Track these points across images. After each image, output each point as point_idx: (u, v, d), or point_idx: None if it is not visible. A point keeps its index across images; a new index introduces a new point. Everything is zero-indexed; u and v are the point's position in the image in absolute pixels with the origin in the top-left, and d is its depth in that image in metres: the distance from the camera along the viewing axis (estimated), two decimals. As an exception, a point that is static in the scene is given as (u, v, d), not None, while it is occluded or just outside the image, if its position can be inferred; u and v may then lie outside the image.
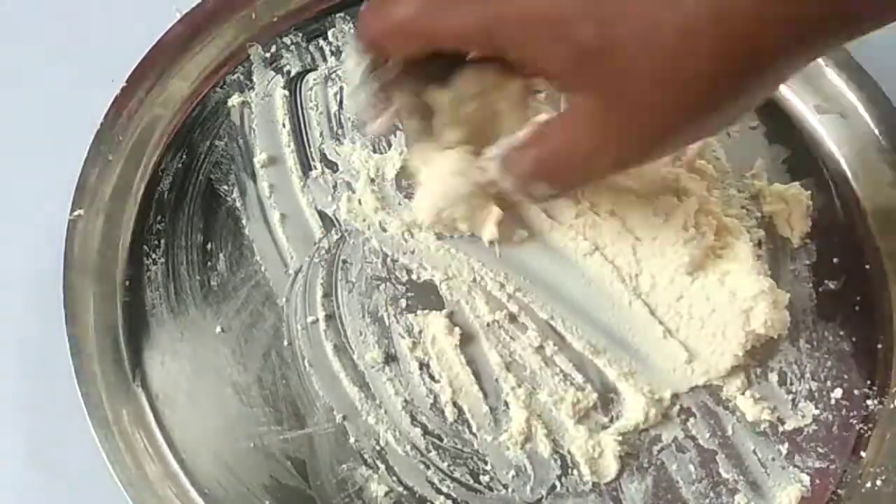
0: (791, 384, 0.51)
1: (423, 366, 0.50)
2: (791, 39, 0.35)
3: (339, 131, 0.56)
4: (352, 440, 0.49)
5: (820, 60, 0.56)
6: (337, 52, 0.58)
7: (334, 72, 0.57)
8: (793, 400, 0.51)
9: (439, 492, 0.48)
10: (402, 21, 0.40)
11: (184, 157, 0.55)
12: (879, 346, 0.52)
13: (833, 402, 0.51)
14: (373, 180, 0.54)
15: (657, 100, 0.37)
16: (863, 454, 0.50)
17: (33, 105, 0.58)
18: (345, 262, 0.53)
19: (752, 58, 0.35)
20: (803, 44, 0.36)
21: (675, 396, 0.50)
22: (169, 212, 0.54)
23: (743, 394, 0.50)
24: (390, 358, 0.50)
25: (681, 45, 0.35)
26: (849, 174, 0.56)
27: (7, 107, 0.58)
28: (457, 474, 0.48)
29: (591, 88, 0.38)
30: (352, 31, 0.58)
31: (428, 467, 0.48)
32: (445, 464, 0.48)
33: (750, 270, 0.50)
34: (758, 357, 0.51)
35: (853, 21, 0.36)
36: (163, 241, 0.53)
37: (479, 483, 0.48)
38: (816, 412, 0.50)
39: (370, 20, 0.42)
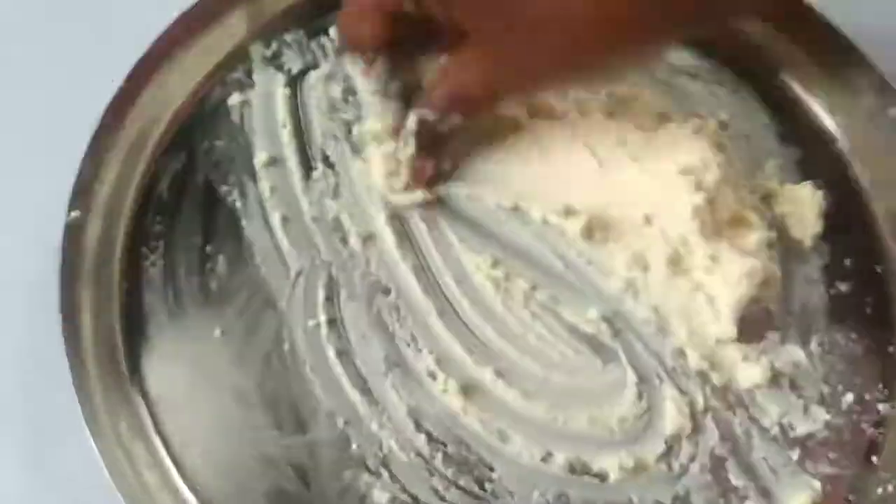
0: (802, 388, 0.50)
1: (428, 371, 0.50)
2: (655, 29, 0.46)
3: (339, 131, 0.56)
4: (354, 446, 0.48)
5: (832, 60, 0.57)
6: (339, 50, 0.58)
7: (336, 70, 0.57)
8: (804, 405, 0.50)
9: (443, 499, 0.47)
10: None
11: (183, 157, 0.54)
12: (892, 349, 0.52)
13: (845, 406, 0.50)
14: None
15: (543, 42, 0.46)
16: (875, 459, 0.49)
17: (32, 105, 0.58)
18: (346, 264, 0.52)
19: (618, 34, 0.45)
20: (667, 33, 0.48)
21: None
22: (168, 213, 0.53)
23: (753, 398, 0.50)
24: (393, 363, 0.50)
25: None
26: (861, 175, 0.56)
27: (6, 107, 0.58)
28: (462, 482, 0.48)
29: (488, 33, 0.47)
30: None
31: (432, 474, 0.48)
32: (450, 471, 0.48)
33: None
34: (768, 359, 0.51)
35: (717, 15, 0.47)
36: (161, 243, 0.52)
37: (485, 490, 0.48)
38: (828, 417, 0.50)
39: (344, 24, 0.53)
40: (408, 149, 0.52)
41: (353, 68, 0.54)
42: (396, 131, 0.53)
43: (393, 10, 0.49)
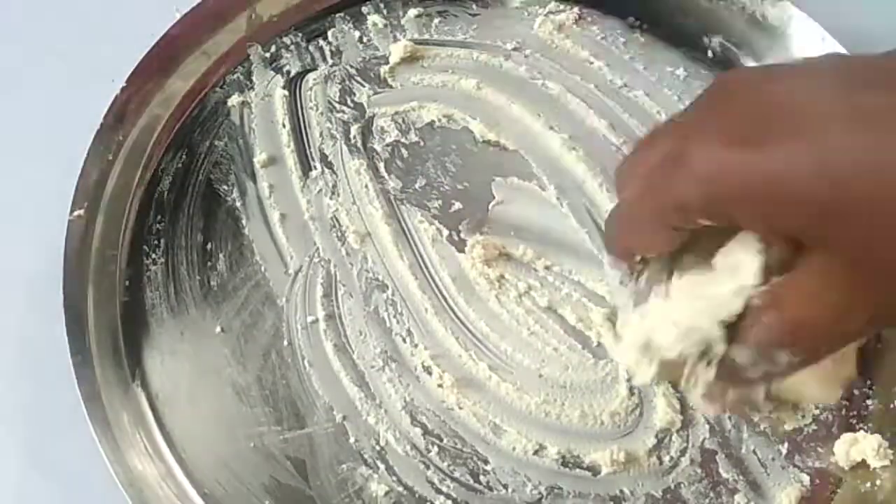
0: (791, 384, 0.51)
1: (424, 365, 0.50)
2: None
3: (337, 132, 0.56)
4: (352, 440, 0.49)
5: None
6: (337, 52, 0.58)
7: (334, 72, 0.58)
8: (792, 399, 0.51)
9: (439, 492, 0.48)
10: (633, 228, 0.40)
11: (184, 157, 0.55)
12: (879, 345, 0.52)
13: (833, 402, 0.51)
14: None
15: None
16: (863, 454, 0.50)
17: (33, 105, 0.58)
18: (344, 261, 0.53)
19: None
20: None
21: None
22: (169, 212, 0.53)
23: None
24: (390, 358, 0.50)
25: None
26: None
27: (7, 107, 0.58)
28: (457, 474, 0.48)
29: (833, 247, 0.34)
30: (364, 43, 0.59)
31: (428, 467, 0.48)
32: (445, 463, 0.48)
33: None
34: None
35: None
36: (163, 241, 0.53)
37: (479, 483, 0.48)
38: (816, 412, 0.50)
39: (618, 238, 0.42)
40: (709, 371, 0.40)
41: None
42: None
43: (681, 224, 0.37)
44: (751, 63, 0.58)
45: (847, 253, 0.34)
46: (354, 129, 0.56)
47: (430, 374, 0.50)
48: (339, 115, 0.57)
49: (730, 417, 0.50)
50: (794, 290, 0.36)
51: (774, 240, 0.36)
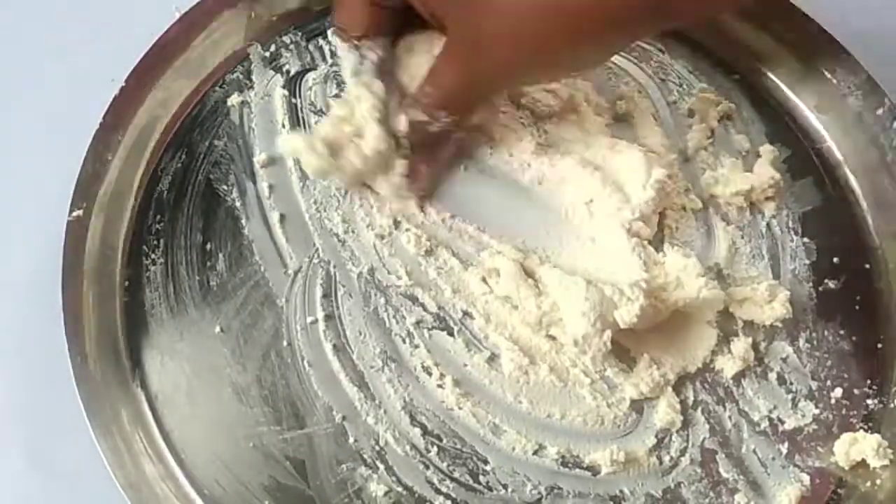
0: (791, 383, 0.51)
1: (423, 366, 0.50)
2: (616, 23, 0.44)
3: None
4: (351, 440, 0.49)
5: (819, 60, 0.57)
6: (336, 52, 0.58)
7: (334, 71, 0.58)
8: (793, 399, 0.51)
9: (438, 492, 0.48)
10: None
11: (183, 157, 0.55)
12: (879, 345, 0.53)
13: (833, 401, 0.51)
14: None
15: (512, 41, 0.45)
16: (863, 453, 0.50)
17: (33, 105, 0.58)
18: (344, 262, 0.53)
19: (582, 24, 0.44)
20: (625, 30, 0.46)
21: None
22: (168, 212, 0.53)
23: (742, 393, 0.50)
24: (390, 358, 0.50)
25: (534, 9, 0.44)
26: (848, 173, 0.57)
27: (7, 106, 0.58)
28: (456, 474, 0.48)
29: (462, 28, 0.47)
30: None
31: (427, 467, 0.48)
32: (445, 464, 0.48)
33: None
34: (758, 356, 0.51)
35: (671, 14, 0.45)
36: (162, 241, 0.53)
37: (479, 483, 0.48)
38: (816, 412, 0.51)
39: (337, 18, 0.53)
40: (402, 150, 0.51)
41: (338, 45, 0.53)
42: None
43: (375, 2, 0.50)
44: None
45: (460, 30, 0.47)
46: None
47: (429, 374, 0.50)
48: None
49: (730, 417, 0.50)
50: (436, 66, 0.49)
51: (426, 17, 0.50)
